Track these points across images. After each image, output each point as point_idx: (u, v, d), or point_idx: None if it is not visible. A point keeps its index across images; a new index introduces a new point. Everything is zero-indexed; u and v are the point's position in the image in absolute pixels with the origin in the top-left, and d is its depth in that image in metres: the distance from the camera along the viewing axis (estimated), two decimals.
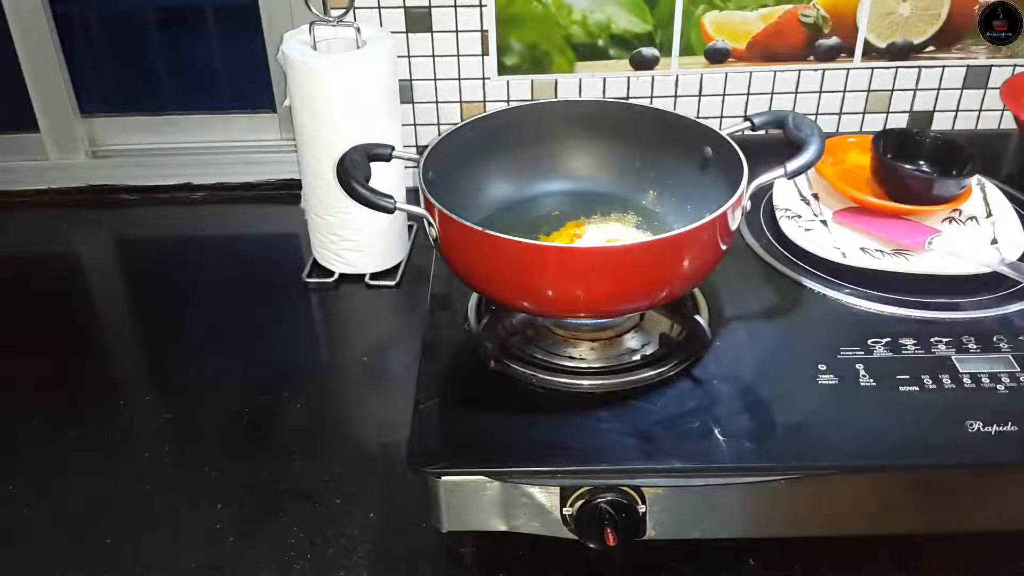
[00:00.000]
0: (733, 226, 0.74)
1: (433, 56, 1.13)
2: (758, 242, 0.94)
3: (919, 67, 1.16)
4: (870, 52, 1.15)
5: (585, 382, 0.75)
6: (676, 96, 1.17)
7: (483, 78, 1.15)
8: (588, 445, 0.69)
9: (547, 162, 0.90)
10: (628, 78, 1.16)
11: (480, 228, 0.70)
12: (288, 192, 1.18)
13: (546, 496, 0.69)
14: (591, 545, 0.68)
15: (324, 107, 0.95)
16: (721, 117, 1.18)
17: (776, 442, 0.70)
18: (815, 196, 1.00)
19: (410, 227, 1.10)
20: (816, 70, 1.16)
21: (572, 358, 0.78)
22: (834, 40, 1.14)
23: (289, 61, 0.94)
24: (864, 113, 1.19)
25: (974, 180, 0.97)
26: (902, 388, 0.73)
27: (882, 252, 0.90)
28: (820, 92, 1.18)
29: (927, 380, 0.73)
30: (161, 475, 0.82)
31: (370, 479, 0.80)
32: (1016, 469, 0.69)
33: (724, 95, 1.17)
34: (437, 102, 1.17)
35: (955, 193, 0.93)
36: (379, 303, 1.04)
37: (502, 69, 1.14)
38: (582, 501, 0.68)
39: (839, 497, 0.70)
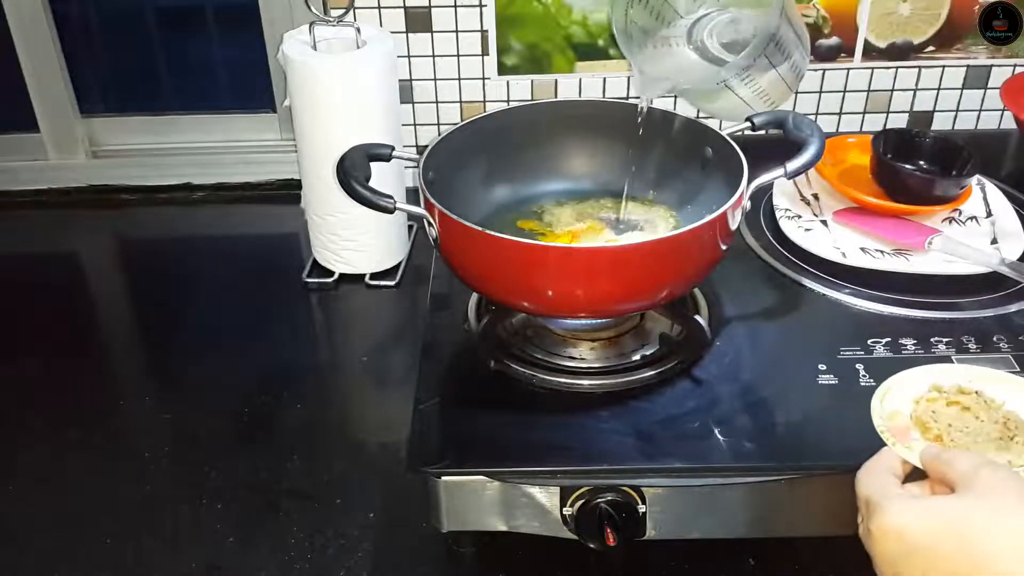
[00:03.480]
0: (733, 226, 0.74)
1: (433, 56, 1.13)
2: (758, 242, 0.94)
3: (919, 67, 1.16)
4: (870, 52, 1.15)
5: (585, 382, 0.75)
6: (676, 96, 1.17)
7: (483, 78, 1.15)
8: (588, 445, 0.69)
9: (547, 162, 0.90)
10: (628, 78, 1.16)
11: (480, 228, 0.70)
12: (288, 192, 1.18)
13: (546, 496, 0.69)
14: (591, 545, 0.68)
15: (324, 107, 0.95)
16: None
17: (776, 442, 0.70)
18: (815, 196, 1.00)
19: (410, 227, 1.10)
20: (816, 70, 1.16)
21: (572, 358, 0.78)
22: (834, 40, 1.14)
23: (289, 61, 0.94)
24: (864, 113, 1.19)
25: (974, 180, 0.97)
26: None
27: (882, 252, 0.90)
28: (820, 92, 1.18)
29: None
30: (161, 475, 0.82)
31: (370, 479, 0.80)
32: None
33: None
34: (437, 102, 1.17)
35: (955, 193, 0.93)
36: (379, 303, 1.04)
37: (502, 69, 1.14)
38: (582, 501, 0.68)
39: (839, 497, 0.70)
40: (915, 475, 0.56)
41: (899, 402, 0.61)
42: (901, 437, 0.58)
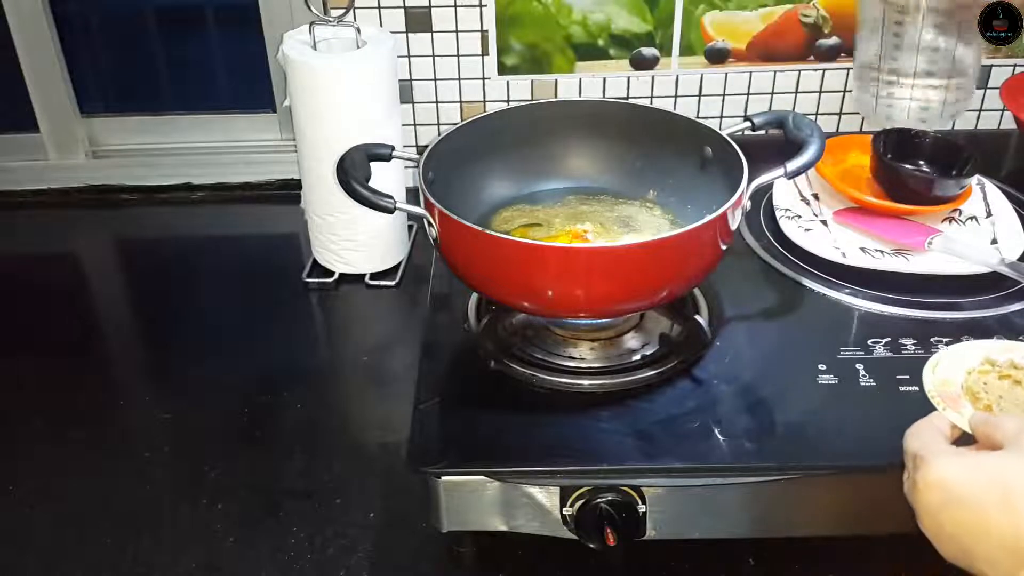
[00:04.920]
0: (733, 226, 0.74)
1: (433, 56, 1.13)
2: (758, 242, 0.94)
3: None
4: None
5: (585, 382, 0.75)
6: (676, 96, 1.17)
7: (483, 78, 1.15)
8: (588, 445, 0.69)
9: (547, 162, 0.90)
10: (628, 78, 1.16)
11: (480, 228, 0.70)
12: (288, 192, 1.18)
13: (546, 496, 0.69)
14: (591, 545, 0.68)
15: (324, 107, 0.95)
16: (721, 117, 1.18)
17: (776, 442, 0.70)
18: (815, 196, 1.00)
19: (410, 227, 1.10)
20: (816, 70, 1.16)
21: (572, 358, 0.78)
22: (834, 40, 1.14)
23: (289, 61, 0.94)
24: None
25: (974, 180, 0.97)
26: (902, 388, 0.73)
27: (882, 252, 0.90)
28: (820, 92, 1.18)
29: None
30: (161, 475, 0.82)
31: (370, 479, 0.80)
32: None
33: (724, 95, 1.17)
34: (437, 102, 1.17)
35: (955, 193, 0.93)
36: (379, 303, 1.04)
37: (502, 69, 1.14)
38: (582, 501, 0.68)
39: (839, 497, 0.70)
40: (962, 442, 0.57)
41: (951, 372, 0.63)
42: (951, 404, 0.59)
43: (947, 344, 0.77)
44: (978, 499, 0.50)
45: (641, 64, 1.15)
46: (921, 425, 0.58)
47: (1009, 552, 0.49)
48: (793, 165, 0.75)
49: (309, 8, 0.97)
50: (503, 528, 0.70)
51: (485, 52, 1.13)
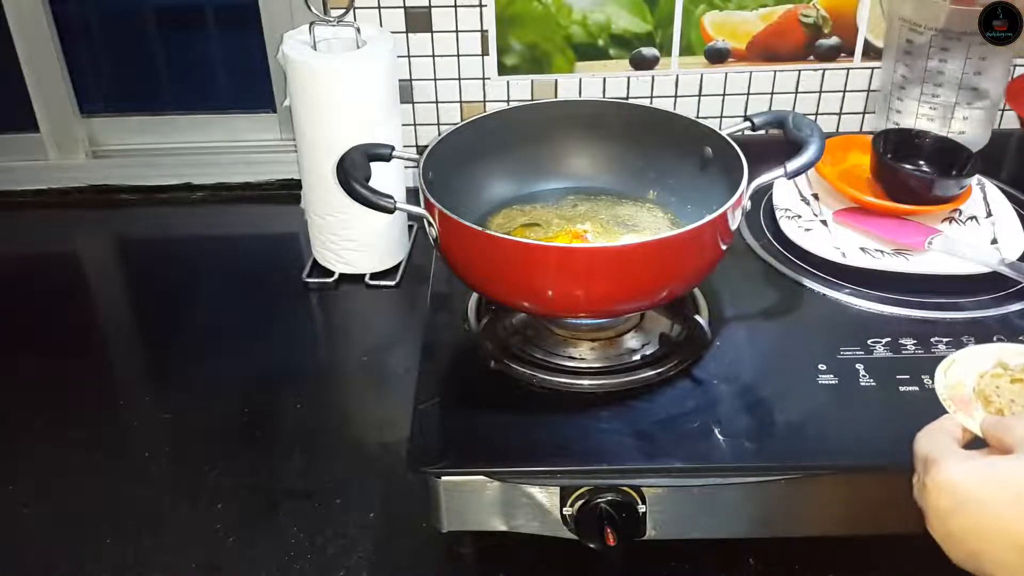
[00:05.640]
0: (733, 226, 0.74)
1: (433, 56, 1.13)
2: (758, 242, 0.94)
3: None
4: (870, 52, 1.15)
5: (585, 382, 0.75)
6: (676, 96, 1.17)
7: (483, 78, 1.15)
8: (588, 445, 0.69)
9: (547, 162, 0.90)
10: (628, 78, 1.16)
11: (480, 228, 0.70)
12: (288, 192, 1.18)
13: (546, 496, 0.69)
14: (591, 545, 0.68)
15: (324, 107, 0.95)
16: (721, 117, 1.18)
17: (776, 442, 0.70)
18: (815, 196, 1.00)
19: (410, 227, 1.10)
20: (816, 70, 1.16)
21: (572, 358, 0.78)
22: (834, 40, 1.14)
23: (289, 61, 0.94)
24: (864, 113, 1.19)
25: (974, 180, 0.97)
26: (902, 388, 0.73)
27: (882, 252, 0.90)
28: (820, 92, 1.18)
29: (927, 380, 0.73)
30: (161, 475, 0.82)
31: (370, 479, 0.80)
32: None
33: (724, 95, 1.17)
34: (437, 102, 1.17)
35: (955, 193, 0.93)
36: (379, 303, 1.04)
37: (502, 69, 1.14)
38: (582, 501, 0.68)
39: (839, 497, 0.70)
40: (973, 446, 0.56)
41: (963, 374, 0.62)
42: (963, 407, 0.59)
43: (947, 344, 0.78)
44: (988, 501, 0.50)
45: (641, 64, 1.15)
46: (931, 427, 0.58)
47: (1021, 554, 0.48)
48: (793, 165, 0.75)
49: (309, 8, 0.97)
50: (503, 528, 0.70)
51: (485, 52, 1.13)
